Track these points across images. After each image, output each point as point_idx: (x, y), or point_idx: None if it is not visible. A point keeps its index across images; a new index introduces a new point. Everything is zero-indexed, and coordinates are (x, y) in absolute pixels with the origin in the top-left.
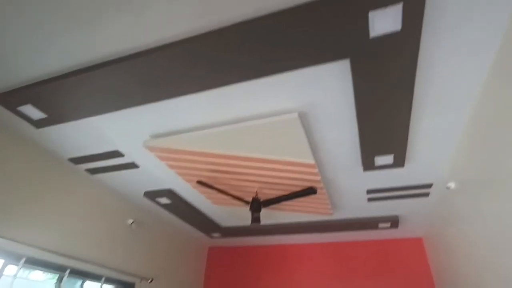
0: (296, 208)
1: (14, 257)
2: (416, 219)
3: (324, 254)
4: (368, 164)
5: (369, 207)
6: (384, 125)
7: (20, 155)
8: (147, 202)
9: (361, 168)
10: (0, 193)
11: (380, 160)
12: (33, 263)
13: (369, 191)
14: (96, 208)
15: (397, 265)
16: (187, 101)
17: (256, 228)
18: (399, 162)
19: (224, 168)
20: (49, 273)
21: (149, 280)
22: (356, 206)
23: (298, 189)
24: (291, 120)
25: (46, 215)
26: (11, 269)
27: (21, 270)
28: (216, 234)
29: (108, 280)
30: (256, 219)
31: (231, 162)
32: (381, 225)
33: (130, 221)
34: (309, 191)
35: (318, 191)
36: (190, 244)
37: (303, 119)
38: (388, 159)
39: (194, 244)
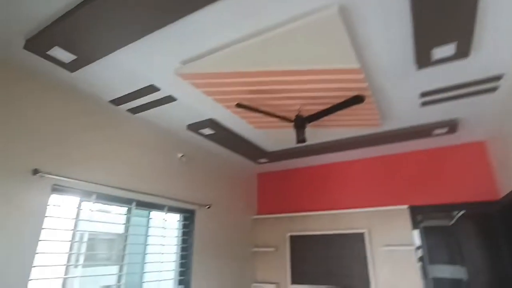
0: (342, 122)
1: (87, 194)
2: (479, 121)
3: (372, 168)
4: (423, 60)
5: (423, 113)
6: (445, 4)
7: (64, 102)
8: (192, 135)
9: (414, 66)
10: (57, 144)
11: (439, 52)
12: (103, 198)
13: (423, 94)
14: (146, 146)
15: (455, 172)
16: (210, 16)
17: (301, 149)
18: (463, 51)
19: (262, 87)
20: (120, 206)
21: (207, 206)
22: (408, 113)
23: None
24: (329, 16)
25: (105, 156)
26: (87, 204)
27: (95, 204)
28: (263, 160)
29: (171, 209)
30: (301, 137)
31: (269, 79)
32: (436, 131)
33: (179, 155)
34: (356, 100)
35: (366, 99)
36: (240, 172)
37: (344, 14)
38: (449, 49)
39: (244, 171)
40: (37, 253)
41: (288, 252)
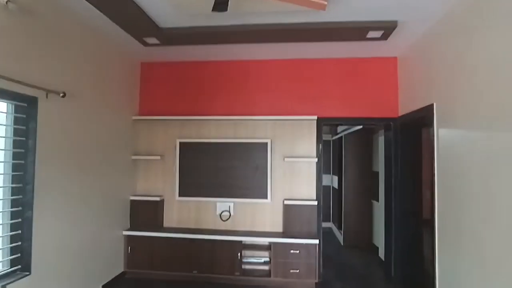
0: None
1: None
2: (411, 31)
3: (282, 73)
4: None
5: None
6: None
7: None
8: None
9: None
10: None
11: None
12: None
13: None
14: None
15: (366, 87)
16: None
17: (207, 32)
18: None
19: None
20: None
21: (61, 95)
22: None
23: None
24: None
25: None
26: None
27: None
28: (152, 40)
29: None
30: (222, 1)
31: None
32: (371, 33)
33: None
34: None
35: None
36: (116, 54)
37: None
38: None
39: (123, 55)
40: None
41: (177, 161)
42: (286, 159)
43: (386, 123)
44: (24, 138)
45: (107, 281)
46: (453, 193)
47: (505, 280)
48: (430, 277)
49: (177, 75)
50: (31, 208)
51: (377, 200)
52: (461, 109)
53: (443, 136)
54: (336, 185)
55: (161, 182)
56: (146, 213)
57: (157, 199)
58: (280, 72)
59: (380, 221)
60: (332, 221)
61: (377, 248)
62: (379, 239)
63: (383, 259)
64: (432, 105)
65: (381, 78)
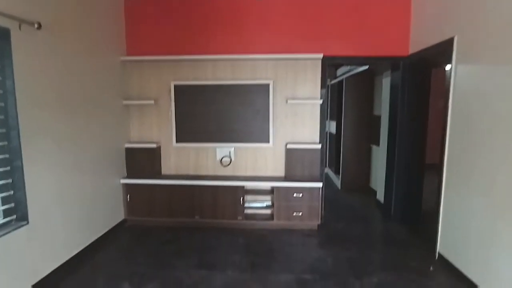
0: None
1: None
2: None
3: (288, 8)
4: None
5: None
6: None
7: None
8: None
9: None
10: None
11: None
12: None
13: None
14: None
15: (375, 24)
16: None
17: None
18: None
19: None
20: None
21: (36, 26)
22: None
23: None
24: None
25: None
26: None
27: None
28: None
29: None
30: None
31: None
32: None
33: None
34: None
35: None
36: None
37: None
38: None
39: None
40: None
41: (172, 105)
42: (289, 101)
43: (394, 63)
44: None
45: (108, 229)
46: (468, 132)
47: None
48: (429, 216)
49: (167, 10)
50: (19, 155)
51: (377, 145)
52: (486, 42)
53: (462, 73)
54: (333, 131)
55: (157, 128)
56: (143, 161)
57: (154, 146)
58: (282, 7)
59: (379, 165)
60: (329, 166)
61: (375, 191)
62: (377, 183)
63: (381, 201)
64: (452, 39)
65: (392, 13)
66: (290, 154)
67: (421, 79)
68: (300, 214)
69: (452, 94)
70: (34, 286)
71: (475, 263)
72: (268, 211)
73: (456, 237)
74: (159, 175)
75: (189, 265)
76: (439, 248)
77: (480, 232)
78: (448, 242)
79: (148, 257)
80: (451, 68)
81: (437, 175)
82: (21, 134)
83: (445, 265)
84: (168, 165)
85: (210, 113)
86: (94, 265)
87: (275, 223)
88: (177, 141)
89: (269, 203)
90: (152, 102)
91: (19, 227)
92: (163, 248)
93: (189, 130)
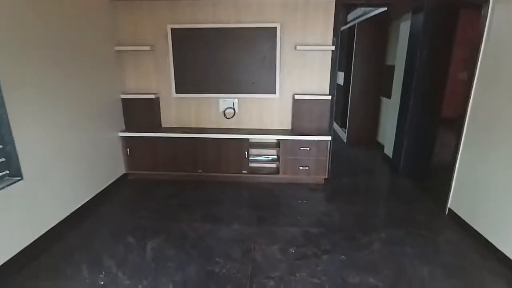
0: None
1: None
2: None
3: None
4: None
5: None
6: None
7: None
8: None
9: None
10: None
11: None
12: None
13: None
14: None
15: None
16: None
17: None
18: None
19: None
20: None
21: None
22: None
23: None
24: None
25: None
26: None
27: None
28: None
29: None
30: None
31: None
32: None
33: None
34: None
35: None
36: None
37: None
38: None
39: None
40: None
41: (170, 52)
42: (298, 47)
43: (418, 3)
44: None
45: (108, 183)
46: (497, 84)
47: None
48: (439, 171)
49: None
50: (2, 105)
51: (388, 97)
52: None
53: (500, 15)
54: (341, 82)
55: (154, 77)
56: (141, 113)
57: (152, 96)
58: None
59: (389, 118)
60: (335, 119)
61: (382, 146)
62: (386, 137)
63: (390, 155)
64: None
65: None
66: (298, 106)
67: (447, 23)
68: (307, 168)
69: (485, 40)
70: (38, 240)
71: (489, 219)
72: (274, 165)
73: (471, 192)
74: (159, 128)
75: (194, 219)
76: (450, 204)
77: (497, 188)
78: (460, 198)
79: (152, 211)
80: (487, 8)
81: (456, 130)
82: (1, 86)
83: (456, 220)
84: (169, 117)
85: (212, 61)
86: (97, 219)
87: (281, 177)
88: (177, 91)
89: (275, 157)
90: (148, 48)
91: (14, 182)
92: (167, 202)
93: (189, 79)
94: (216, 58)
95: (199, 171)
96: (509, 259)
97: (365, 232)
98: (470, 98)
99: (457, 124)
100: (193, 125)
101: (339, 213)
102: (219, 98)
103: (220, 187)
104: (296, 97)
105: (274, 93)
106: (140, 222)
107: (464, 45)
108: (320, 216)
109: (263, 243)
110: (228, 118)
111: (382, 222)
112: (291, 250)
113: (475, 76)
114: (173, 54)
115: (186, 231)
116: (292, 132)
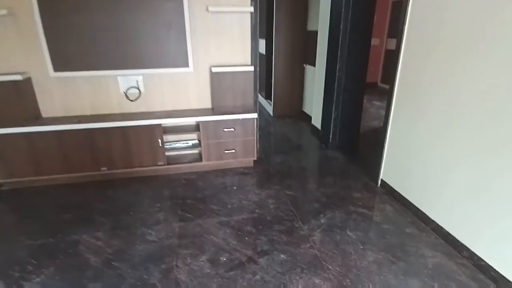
0: None
1: None
2: None
3: None
4: None
5: None
6: None
7: None
8: None
9: None
10: None
11: None
12: None
13: None
14: None
15: None
16: None
17: None
18: None
19: None
20: None
21: None
22: None
23: None
24: None
25: None
26: None
27: None
28: None
29: None
30: None
31: None
32: None
33: None
34: None
35: None
36: None
37: None
38: None
39: None
40: None
41: (37, 18)
42: (210, 8)
43: None
44: None
45: None
46: (424, 53)
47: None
48: (368, 141)
49: None
50: None
51: (313, 65)
52: None
53: None
54: (263, 51)
55: (20, 52)
56: (4, 101)
57: (19, 78)
58: None
59: (313, 87)
60: (259, 90)
61: (309, 116)
62: (312, 107)
63: (318, 127)
64: None
65: None
66: (217, 80)
67: None
68: (234, 151)
69: (412, 5)
70: None
71: (419, 188)
72: (195, 151)
73: (402, 162)
74: (37, 120)
75: (97, 236)
76: (382, 175)
77: (425, 156)
78: (391, 168)
79: (37, 233)
80: None
81: (387, 100)
82: None
83: (389, 192)
84: (50, 104)
85: (103, 27)
86: None
87: (204, 164)
88: (55, 69)
89: (196, 141)
90: (5, 12)
91: None
92: (59, 217)
93: (72, 52)
94: (108, 24)
95: (103, 169)
96: (442, 228)
97: (303, 220)
98: (398, 67)
99: (388, 93)
100: (88, 113)
101: (273, 200)
102: (117, 75)
103: (133, 186)
104: (214, 69)
105: (187, 66)
106: (19, 253)
107: (385, 9)
108: (253, 208)
109: (188, 256)
110: (132, 100)
111: (319, 205)
112: (222, 259)
113: (402, 43)
114: (41, 17)
115: (85, 255)
116: (213, 111)
